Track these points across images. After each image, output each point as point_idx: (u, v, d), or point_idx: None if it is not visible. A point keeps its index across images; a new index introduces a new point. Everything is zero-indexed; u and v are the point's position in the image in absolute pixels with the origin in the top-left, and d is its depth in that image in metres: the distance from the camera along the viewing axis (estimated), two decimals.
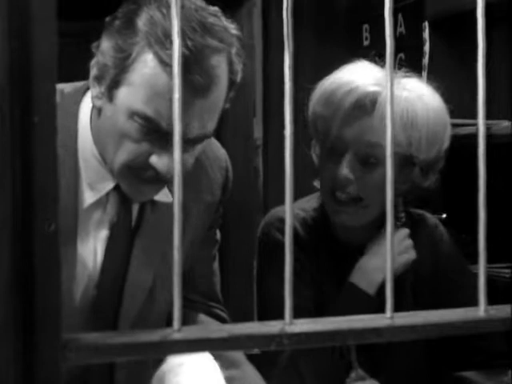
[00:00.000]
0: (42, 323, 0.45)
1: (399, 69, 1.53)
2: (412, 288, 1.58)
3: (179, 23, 0.49)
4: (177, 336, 0.47)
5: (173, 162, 1.34)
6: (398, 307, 0.53)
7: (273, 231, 1.57)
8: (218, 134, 3.26)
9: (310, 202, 1.63)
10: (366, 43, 2.98)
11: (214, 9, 1.22)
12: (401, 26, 2.73)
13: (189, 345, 0.47)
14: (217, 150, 1.47)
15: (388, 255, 0.52)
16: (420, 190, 1.57)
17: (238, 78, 1.24)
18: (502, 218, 2.07)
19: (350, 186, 1.49)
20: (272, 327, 0.49)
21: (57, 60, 0.46)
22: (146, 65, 1.17)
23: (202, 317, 1.48)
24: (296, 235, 1.56)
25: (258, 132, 3.11)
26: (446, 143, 1.52)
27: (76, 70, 1.30)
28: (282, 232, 1.50)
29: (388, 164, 0.53)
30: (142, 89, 1.17)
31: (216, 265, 1.53)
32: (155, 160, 1.20)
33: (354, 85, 1.47)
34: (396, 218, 1.57)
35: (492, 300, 0.54)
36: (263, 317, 1.59)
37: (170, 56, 1.13)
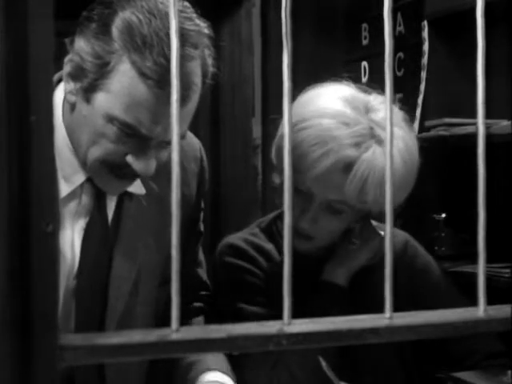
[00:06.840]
0: (40, 324, 0.45)
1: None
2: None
3: (177, 24, 0.48)
4: (175, 336, 0.47)
5: (149, 163, 1.32)
6: None
7: (224, 257, 1.55)
8: (217, 134, 3.26)
9: (258, 228, 1.61)
10: (364, 42, 2.97)
11: (185, 4, 1.22)
12: (400, 25, 2.73)
13: (187, 345, 0.47)
14: (190, 140, 1.45)
15: (387, 255, 0.52)
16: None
17: (209, 77, 1.26)
18: (502, 217, 2.06)
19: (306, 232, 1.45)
20: (270, 327, 0.49)
21: (54, 59, 0.46)
22: (124, 75, 1.17)
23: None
24: (253, 258, 1.54)
25: (256, 132, 3.11)
26: (407, 191, 1.47)
27: None
28: (232, 255, 1.53)
29: (387, 165, 0.52)
30: (121, 98, 1.18)
31: (201, 256, 1.53)
32: (131, 160, 1.22)
33: (329, 146, 1.38)
34: (350, 241, 1.52)
35: (491, 300, 0.54)
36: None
37: (148, 67, 1.15)
